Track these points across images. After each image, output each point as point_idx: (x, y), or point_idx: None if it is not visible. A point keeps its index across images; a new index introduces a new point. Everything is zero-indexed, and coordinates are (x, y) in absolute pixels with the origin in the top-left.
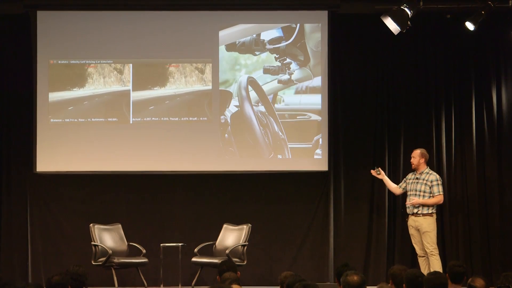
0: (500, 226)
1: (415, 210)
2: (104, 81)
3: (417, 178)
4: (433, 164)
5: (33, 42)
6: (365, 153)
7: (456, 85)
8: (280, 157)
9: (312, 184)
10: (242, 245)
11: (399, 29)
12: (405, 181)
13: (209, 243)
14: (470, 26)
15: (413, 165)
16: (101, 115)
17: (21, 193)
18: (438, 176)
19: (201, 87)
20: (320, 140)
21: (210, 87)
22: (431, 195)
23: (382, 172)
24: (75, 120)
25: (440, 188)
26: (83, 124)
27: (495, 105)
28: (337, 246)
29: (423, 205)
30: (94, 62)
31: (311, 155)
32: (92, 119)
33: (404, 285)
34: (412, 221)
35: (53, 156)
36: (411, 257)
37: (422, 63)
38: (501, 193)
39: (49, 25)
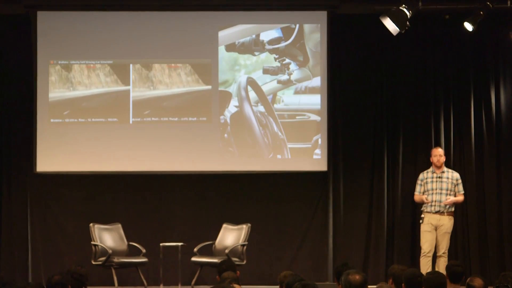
0: (498, 226)
1: (442, 209)
2: (104, 81)
3: (439, 177)
4: None
5: (33, 43)
6: (364, 153)
7: (455, 86)
8: (280, 157)
9: (311, 184)
10: (241, 245)
11: (398, 29)
12: (421, 184)
13: (209, 242)
14: (468, 26)
15: (438, 163)
16: (101, 115)
17: (21, 193)
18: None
19: (201, 87)
20: (320, 140)
21: (209, 87)
22: (454, 193)
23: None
24: (75, 120)
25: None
26: (83, 124)
27: (493, 106)
28: (336, 245)
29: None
30: (94, 62)
31: (311, 155)
32: (92, 119)
33: (403, 284)
34: (434, 219)
35: (53, 156)
36: (410, 256)
37: (421, 64)
38: (499, 193)
39: (49, 26)
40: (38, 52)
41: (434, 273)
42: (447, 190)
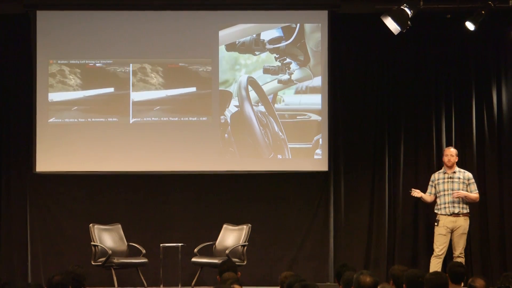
0: (500, 226)
1: (456, 210)
2: (104, 81)
3: (450, 177)
4: (434, 164)
5: (33, 42)
6: (365, 153)
7: (456, 85)
8: (280, 157)
9: (312, 184)
10: (242, 245)
11: (399, 29)
12: (432, 185)
13: (209, 243)
14: (470, 26)
15: (449, 163)
16: (101, 115)
17: (21, 193)
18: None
19: (201, 87)
20: (320, 140)
21: (210, 87)
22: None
23: (417, 191)
24: (75, 120)
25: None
26: (83, 124)
27: (495, 105)
28: (337, 246)
29: (465, 203)
30: (94, 62)
31: (311, 155)
32: (92, 119)
33: (404, 285)
34: (449, 222)
35: (53, 156)
36: (411, 257)
37: (422, 63)
38: (501, 193)
39: (49, 25)
40: (38, 52)
41: (435, 273)
42: (458, 190)
